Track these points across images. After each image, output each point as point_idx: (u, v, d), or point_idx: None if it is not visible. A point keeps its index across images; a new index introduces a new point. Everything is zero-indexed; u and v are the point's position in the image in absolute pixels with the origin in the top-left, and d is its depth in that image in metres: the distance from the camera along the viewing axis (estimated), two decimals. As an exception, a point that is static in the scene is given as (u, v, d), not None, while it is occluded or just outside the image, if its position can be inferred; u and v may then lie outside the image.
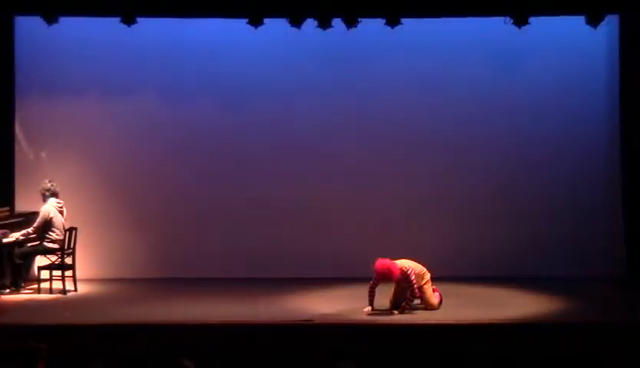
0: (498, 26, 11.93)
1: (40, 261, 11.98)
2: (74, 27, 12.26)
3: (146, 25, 11.96)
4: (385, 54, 12.64)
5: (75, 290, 11.80)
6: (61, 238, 11.73)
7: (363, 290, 10.51)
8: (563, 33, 12.59)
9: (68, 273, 11.78)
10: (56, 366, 8.51)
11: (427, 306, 10.62)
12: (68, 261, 11.79)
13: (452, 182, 12.84)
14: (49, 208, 11.68)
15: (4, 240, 11.62)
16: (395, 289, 10.56)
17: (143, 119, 12.84)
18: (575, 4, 11.85)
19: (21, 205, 12.42)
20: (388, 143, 12.90)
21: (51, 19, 11.79)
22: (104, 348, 9.10)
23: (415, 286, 10.41)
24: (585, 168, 12.79)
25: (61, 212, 11.80)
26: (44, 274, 11.79)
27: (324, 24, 11.75)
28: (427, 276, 10.65)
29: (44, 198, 11.76)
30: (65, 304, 11.10)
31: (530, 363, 9.28)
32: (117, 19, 11.67)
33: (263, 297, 11.30)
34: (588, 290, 11.70)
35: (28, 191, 12.29)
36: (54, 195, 11.76)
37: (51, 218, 11.67)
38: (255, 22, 11.79)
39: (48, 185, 11.79)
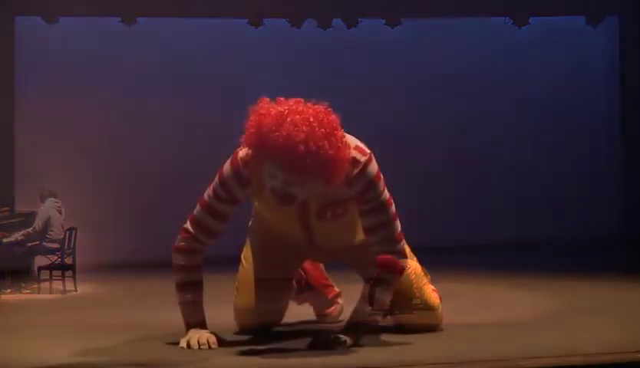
0: (498, 26, 11.94)
1: (40, 261, 11.99)
2: (74, 27, 12.28)
3: (146, 25, 11.97)
4: (385, 53, 12.66)
5: (75, 290, 11.80)
6: (60, 237, 11.73)
7: (363, 290, 10.48)
8: (563, 33, 12.61)
9: (68, 273, 11.79)
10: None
11: (427, 306, 10.59)
12: (68, 261, 11.80)
13: (452, 180, 12.87)
14: (47, 208, 11.68)
15: (4, 240, 11.63)
16: (395, 289, 10.52)
17: (143, 119, 12.86)
18: (575, 4, 11.87)
19: (21, 205, 12.43)
20: (388, 143, 12.89)
21: (51, 19, 11.80)
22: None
23: (415, 286, 10.38)
24: (586, 168, 12.82)
25: (59, 211, 11.81)
26: (44, 274, 11.81)
27: (324, 24, 11.76)
28: (427, 276, 10.62)
29: (42, 199, 11.76)
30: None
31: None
32: (117, 19, 11.67)
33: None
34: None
35: (28, 191, 12.32)
36: (53, 195, 11.77)
37: (49, 217, 11.68)
38: (255, 22, 11.80)
39: (46, 186, 11.80)
